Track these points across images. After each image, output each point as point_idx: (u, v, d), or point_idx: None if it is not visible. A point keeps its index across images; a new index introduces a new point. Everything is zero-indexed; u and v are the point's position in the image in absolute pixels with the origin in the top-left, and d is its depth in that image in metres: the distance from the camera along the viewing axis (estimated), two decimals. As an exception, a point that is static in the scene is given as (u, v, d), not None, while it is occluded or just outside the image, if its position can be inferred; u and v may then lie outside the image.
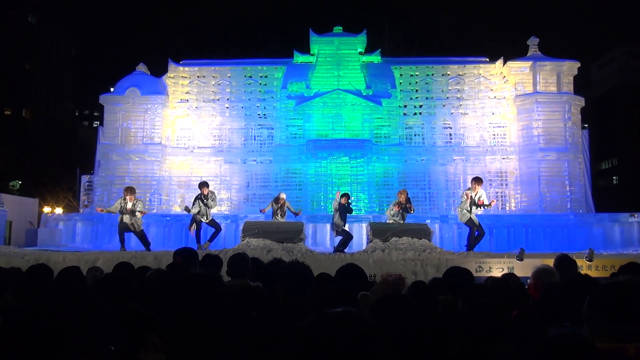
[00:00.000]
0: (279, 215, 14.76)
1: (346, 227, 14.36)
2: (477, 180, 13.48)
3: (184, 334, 2.63)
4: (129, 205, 13.51)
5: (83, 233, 17.62)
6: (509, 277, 6.01)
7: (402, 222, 14.14)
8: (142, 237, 13.82)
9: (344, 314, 1.48)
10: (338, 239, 14.24)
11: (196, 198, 14.10)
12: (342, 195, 14.35)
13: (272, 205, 15.00)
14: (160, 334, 2.63)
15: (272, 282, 4.33)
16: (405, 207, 14.11)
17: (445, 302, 4.45)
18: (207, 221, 14.08)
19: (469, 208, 13.16)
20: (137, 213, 13.58)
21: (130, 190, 13.81)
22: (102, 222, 17.47)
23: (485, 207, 13.29)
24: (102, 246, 15.87)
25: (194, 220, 13.97)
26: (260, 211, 15.31)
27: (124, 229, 13.64)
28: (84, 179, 19.89)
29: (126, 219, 13.52)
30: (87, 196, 19.54)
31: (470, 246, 13.27)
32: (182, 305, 2.75)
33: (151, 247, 13.81)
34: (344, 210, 14.10)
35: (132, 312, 2.54)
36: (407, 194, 14.41)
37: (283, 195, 15.12)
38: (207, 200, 13.92)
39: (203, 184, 14.21)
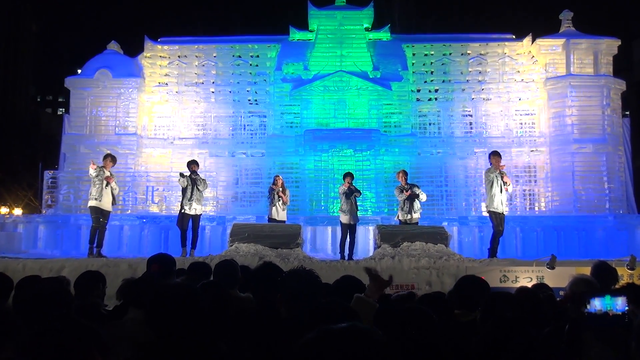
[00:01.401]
0: (280, 203, 14.73)
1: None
2: (498, 154, 13.44)
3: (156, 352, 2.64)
4: (107, 174, 13.42)
5: (46, 237, 17.62)
6: (539, 288, 6.02)
7: (409, 215, 14.09)
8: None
9: (350, 329, 1.48)
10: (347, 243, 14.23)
11: (182, 175, 13.92)
12: (344, 175, 14.35)
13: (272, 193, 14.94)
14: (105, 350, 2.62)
15: (263, 292, 4.30)
16: (403, 189, 14.15)
17: (462, 317, 4.45)
18: (196, 214, 13.90)
19: (500, 190, 13.10)
20: (115, 187, 13.51)
21: (111, 158, 13.76)
22: (68, 224, 17.48)
23: (507, 189, 13.30)
24: (68, 252, 15.86)
25: (182, 215, 13.82)
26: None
27: (97, 219, 13.47)
28: (47, 174, 19.87)
29: (104, 199, 13.36)
30: (51, 195, 19.52)
31: (492, 251, 13.28)
32: (158, 319, 2.75)
33: (124, 254, 13.78)
34: (350, 193, 14.09)
35: (70, 324, 2.52)
36: (407, 175, 14.49)
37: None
38: (196, 176, 13.78)
39: (193, 162, 14.10)
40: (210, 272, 5.68)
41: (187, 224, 13.80)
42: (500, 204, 13.16)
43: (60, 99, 76.50)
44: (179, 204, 14.10)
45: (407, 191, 14.14)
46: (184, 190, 13.80)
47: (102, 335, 2.54)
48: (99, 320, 4.08)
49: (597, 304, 2.88)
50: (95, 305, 5.05)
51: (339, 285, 4.58)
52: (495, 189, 13.11)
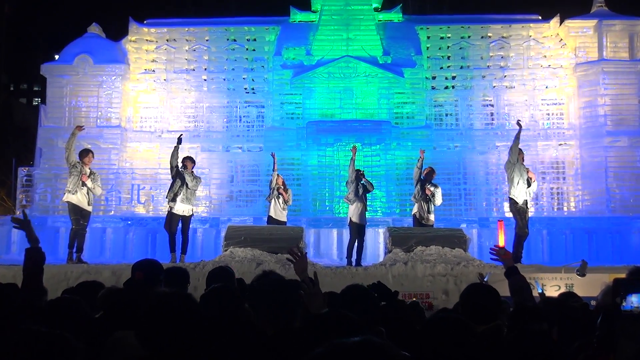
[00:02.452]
0: (280, 201, 14.71)
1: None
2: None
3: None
4: (87, 171, 13.40)
5: (21, 241, 17.59)
6: (568, 297, 6.03)
7: (425, 214, 14.11)
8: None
9: (363, 344, 1.49)
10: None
11: (180, 140, 13.97)
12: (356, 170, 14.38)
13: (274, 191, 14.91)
14: None
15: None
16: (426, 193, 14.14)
17: (486, 330, 4.45)
18: (187, 215, 13.92)
19: (526, 183, 13.18)
20: (96, 188, 13.52)
21: (90, 153, 13.73)
22: (44, 227, 17.47)
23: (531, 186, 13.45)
24: (45, 258, 15.89)
25: (171, 216, 13.79)
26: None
27: (77, 221, 13.42)
28: (22, 171, 19.90)
29: (80, 194, 13.29)
30: (26, 194, 19.56)
31: (516, 256, 13.26)
32: (152, 335, 2.74)
33: (107, 259, 13.81)
34: (360, 179, 14.07)
35: (39, 335, 2.51)
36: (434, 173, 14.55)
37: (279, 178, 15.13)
38: (188, 175, 13.78)
39: (188, 158, 14.14)
40: (188, 279, 5.75)
41: (177, 227, 13.80)
42: (523, 194, 13.19)
43: (35, 88, 76.42)
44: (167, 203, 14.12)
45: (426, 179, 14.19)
46: (172, 181, 13.79)
47: (78, 348, 2.55)
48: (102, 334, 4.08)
49: (634, 301, 2.84)
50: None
51: (345, 296, 4.55)
52: (518, 177, 13.16)
